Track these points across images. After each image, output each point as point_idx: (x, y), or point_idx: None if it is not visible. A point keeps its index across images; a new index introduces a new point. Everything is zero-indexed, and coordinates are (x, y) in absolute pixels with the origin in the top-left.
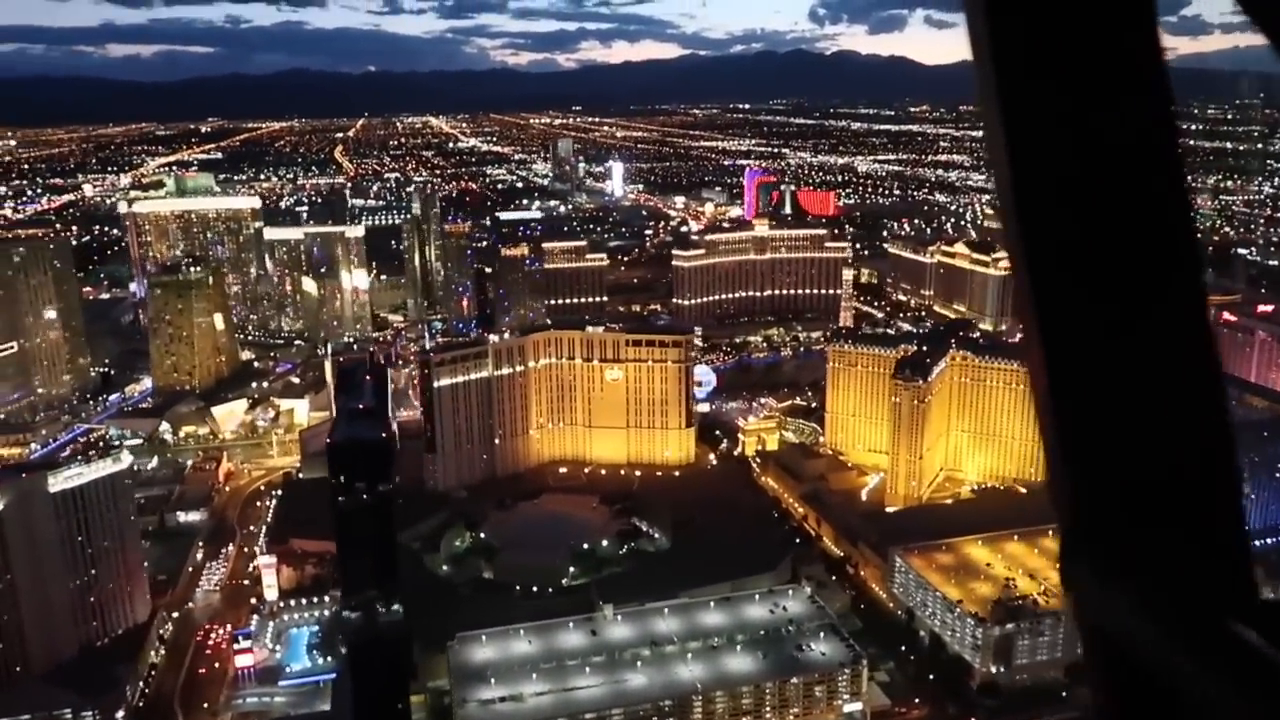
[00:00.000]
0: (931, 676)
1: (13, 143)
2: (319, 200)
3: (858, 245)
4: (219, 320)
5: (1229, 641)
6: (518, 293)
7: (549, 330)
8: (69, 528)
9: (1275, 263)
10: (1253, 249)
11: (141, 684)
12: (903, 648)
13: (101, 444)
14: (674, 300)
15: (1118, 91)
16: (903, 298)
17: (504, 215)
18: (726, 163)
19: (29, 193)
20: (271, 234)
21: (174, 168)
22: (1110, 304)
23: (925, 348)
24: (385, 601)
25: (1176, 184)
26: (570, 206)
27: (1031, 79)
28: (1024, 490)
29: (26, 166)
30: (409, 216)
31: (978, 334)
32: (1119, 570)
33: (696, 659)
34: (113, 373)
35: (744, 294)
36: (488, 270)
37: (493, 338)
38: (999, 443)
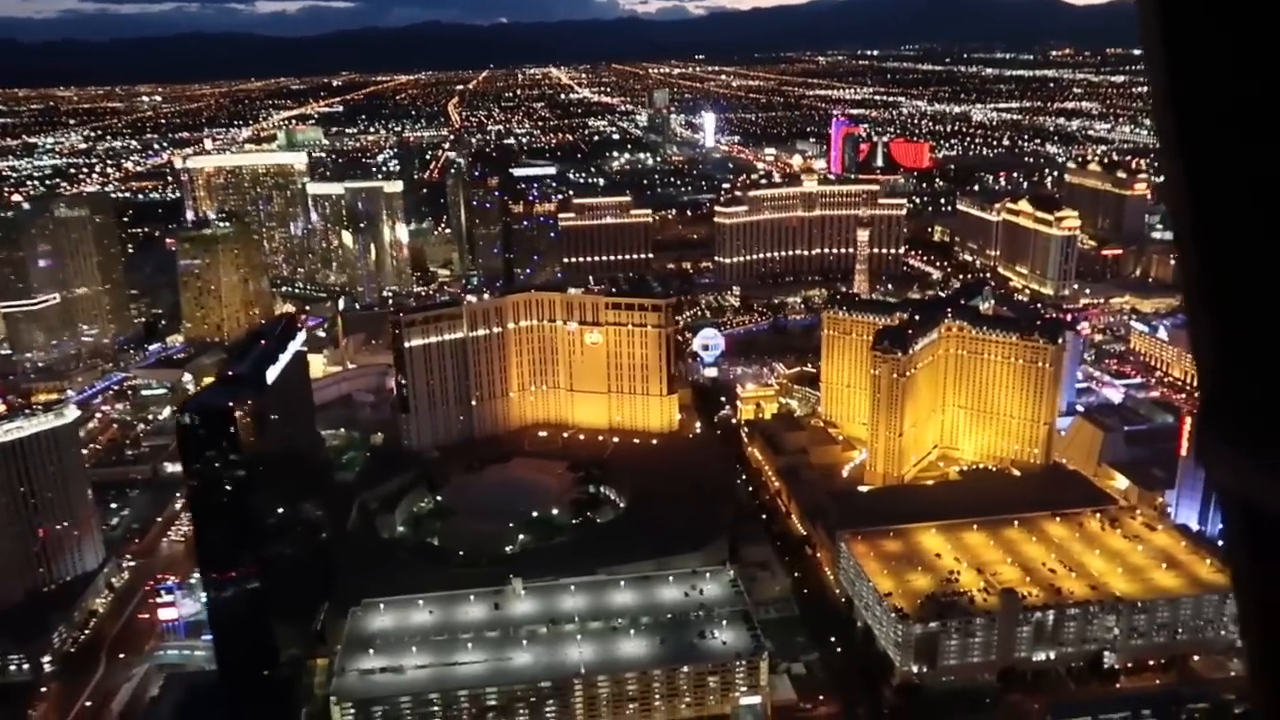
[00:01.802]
0: (852, 672)
1: (158, 98)
2: (398, 153)
3: (941, 201)
4: (253, 274)
5: None
6: (533, 250)
7: (528, 291)
8: (10, 479)
9: None
10: None
11: (79, 631)
12: (832, 639)
13: (131, 393)
14: (716, 258)
15: None
16: (968, 258)
17: (518, 171)
18: (835, 112)
19: (155, 147)
20: (315, 189)
21: (293, 121)
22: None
23: (918, 317)
24: (242, 574)
25: None
26: (659, 158)
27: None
28: (1018, 473)
29: (164, 121)
30: (455, 171)
31: (987, 304)
32: (1262, 435)
33: (590, 640)
34: (164, 323)
35: (791, 253)
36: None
37: (470, 298)
38: (997, 421)
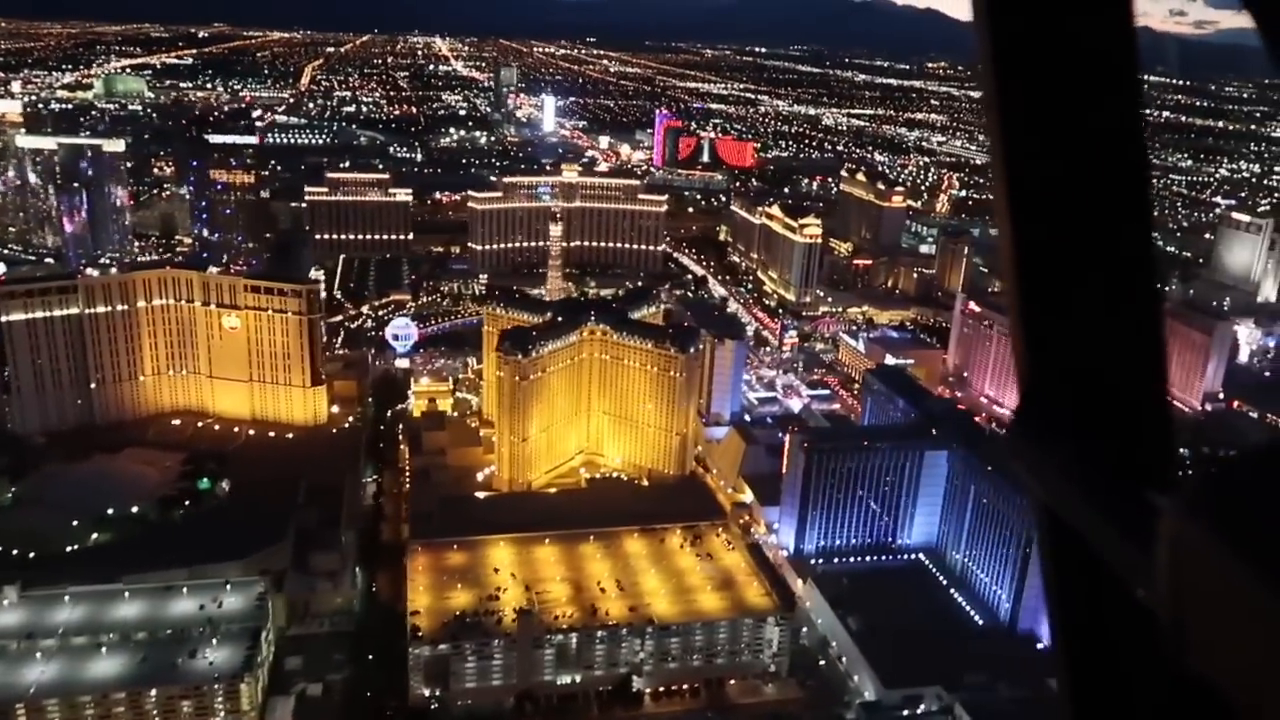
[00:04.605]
0: (370, 694)
1: None
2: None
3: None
4: None
5: (1146, 509)
6: (232, 223)
7: (163, 269)
8: None
9: None
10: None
11: None
12: (370, 657)
13: None
14: (470, 245)
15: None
16: (737, 259)
17: (215, 139)
18: (696, 105)
19: None
20: (27, 142)
21: (129, 70)
22: (1073, 233)
23: (560, 317)
24: None
25: (1134, 143)
26: (494, 137)
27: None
28: (646, 484)
29: None
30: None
31: (652, 308)
32: (1057, 442)
33: (61, 658)
34: None
35: (547, 243)
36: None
37: (92, 271)
38: (636, 428)
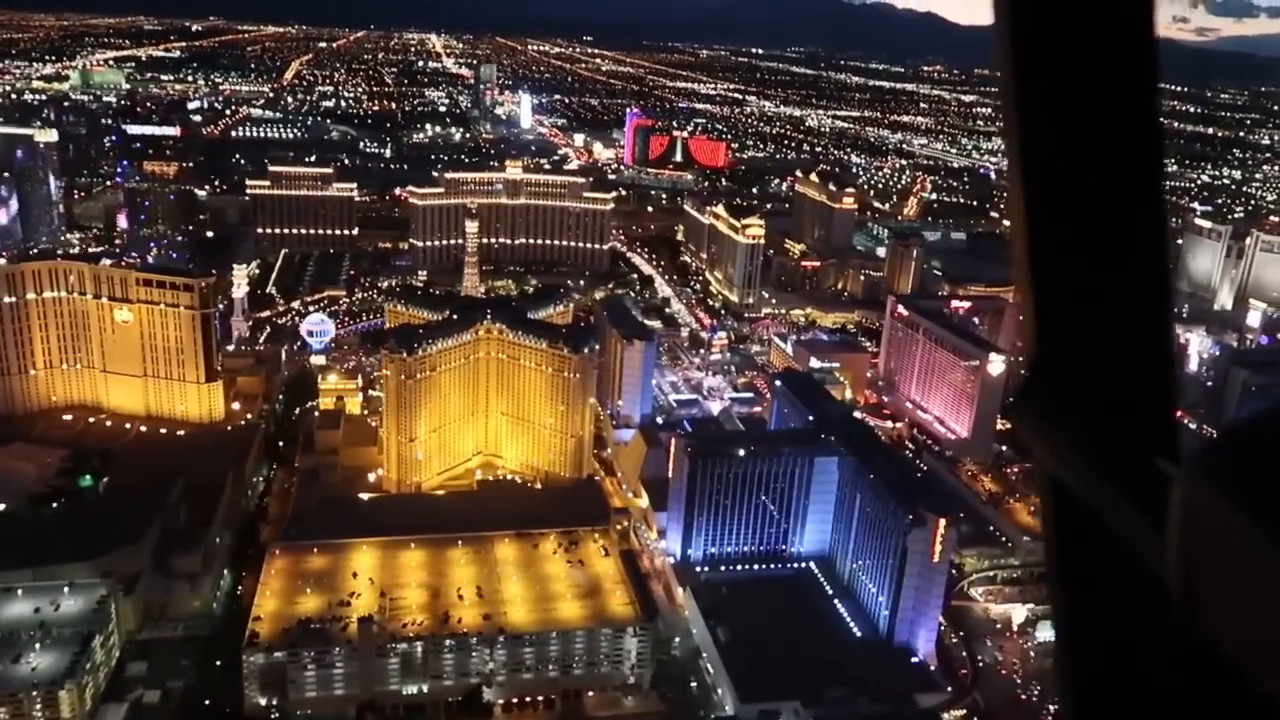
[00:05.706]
0: (208, 702)
1: None
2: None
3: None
4: None
5: (1154, 477)
6: (153, 215)
7: (54, 260)
8: None
9: None
10: None
11: None
12: (219, 663)
13: None
14: (411, 241)
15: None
16: (688, 259)
17: (133, 129)
18: (682, 105)
19: None
20: None
21: (111, 62)
22: (1084, 212)
23: (457, 315)
24: None
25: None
26: (469, 134)
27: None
28: (538, 486)
29: None
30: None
31: (559, 307)
32: (1063, 413)
33: None
34: None
35: (494, 241)
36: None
37: None
38: (533, 430)
